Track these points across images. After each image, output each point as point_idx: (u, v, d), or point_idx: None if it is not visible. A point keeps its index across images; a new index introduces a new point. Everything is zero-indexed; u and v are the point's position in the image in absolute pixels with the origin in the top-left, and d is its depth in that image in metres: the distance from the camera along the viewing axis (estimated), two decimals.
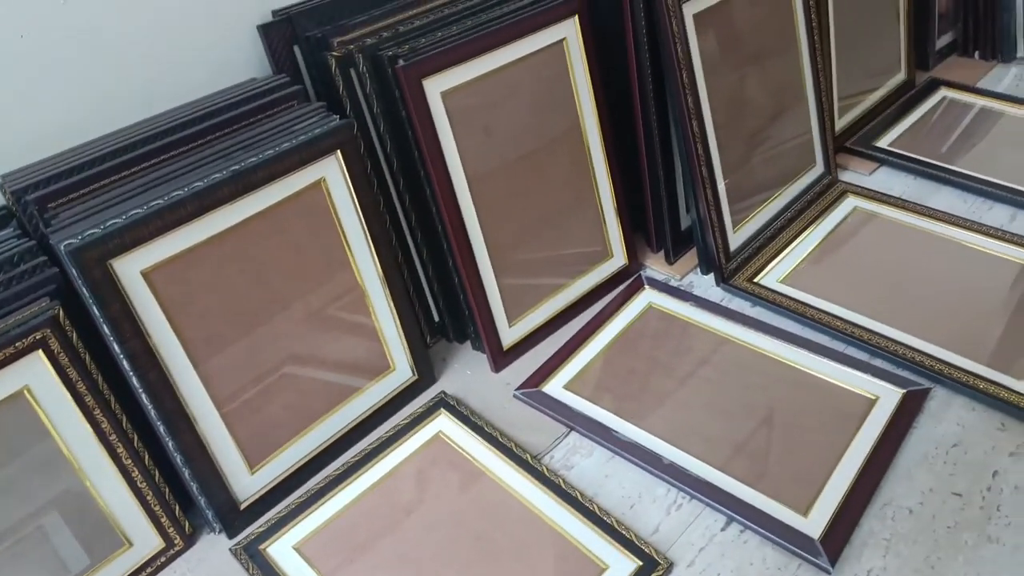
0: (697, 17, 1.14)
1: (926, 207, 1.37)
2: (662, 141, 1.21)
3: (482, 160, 1.06)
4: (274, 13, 1.06)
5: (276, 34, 1.04)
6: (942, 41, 1.87)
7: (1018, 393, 1.01)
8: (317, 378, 0.99)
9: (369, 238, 0.98)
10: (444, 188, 1.02)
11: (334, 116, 0.94)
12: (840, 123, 1.57)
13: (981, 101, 1.68)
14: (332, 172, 0.93)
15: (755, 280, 1.25)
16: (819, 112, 1.41)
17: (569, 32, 1.11)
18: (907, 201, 1.39)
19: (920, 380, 1.06)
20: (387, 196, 1.07)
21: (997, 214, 1.36)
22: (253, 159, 0.86)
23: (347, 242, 0.97)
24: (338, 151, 0.92)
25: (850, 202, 1.41)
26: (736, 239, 1.28)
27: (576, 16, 1.11)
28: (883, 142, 1.58)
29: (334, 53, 0.99)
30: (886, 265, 1.26)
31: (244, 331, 0.91)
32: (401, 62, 0.96)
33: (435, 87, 0.99)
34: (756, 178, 1.32)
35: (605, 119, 1.18)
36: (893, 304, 1.17)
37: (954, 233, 1.30)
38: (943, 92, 1.73)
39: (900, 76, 1.73)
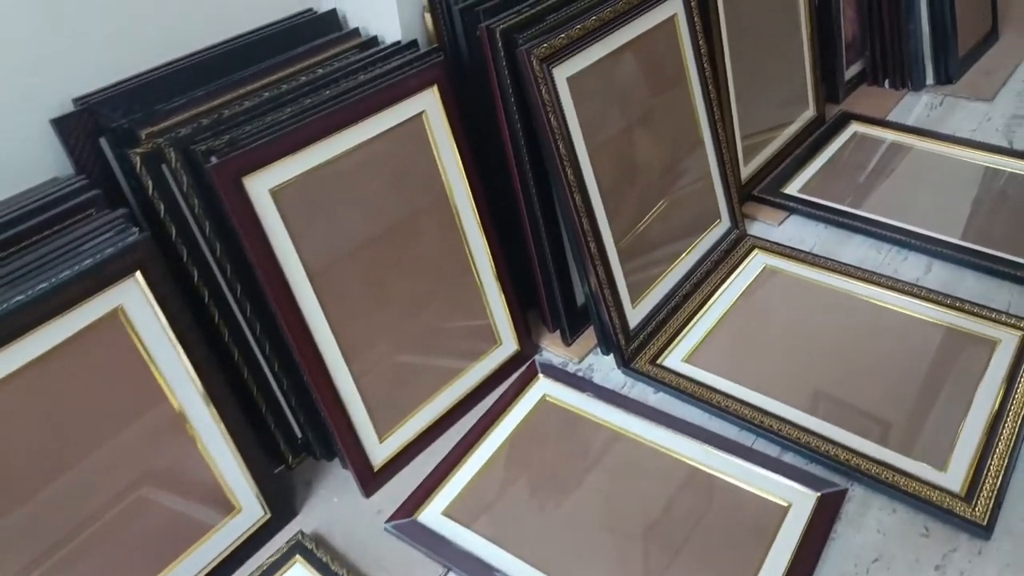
0: (572, 80, 1.02)
1: (838, 262, 1.28)
2: (546, 213, 1.08)
3: (326, 253, 0.91)
4: (75, 101, 0.90)
5: (74, 127, 0.88)
6: (851, 71, 1.81)
7: (940, 489, 0.91)
8: (141, 535, 0.84)
9: (190, 364, 0.83)
10: (278, 292, 0.87)
11: (133, 228, 0.79)
12: (747, 169, 1.48)
13: (891, 135, 1.61)
14: (132, 297, 0.78)
15: (658, 361, 1.14)
16: (720, 164, 1.31)
17: (428, 104, 0.98)
18: (818, 256, 1.30)
19: (835, 478, 0.95)
20: (225, 306, 0.92)
21: (912, 265, 1.28)
22: (19, 297, 0.71)
23: (159, 372, 0.82)
24: (138, 272, 0.77)
25: (759, 259, 1.31)
26: (636, 314, 1.16)
27: (435, 86, 0.98)
28: (793, 187, 1.49)
29: (138, 149, 0.84)
30: (797, 332, 1.16)
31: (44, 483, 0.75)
32: (213, 159, 0.82)
33: (260, 184, 0.84)
34: (655, 244, 1.21)
35: (480, 194, 1.05)
36: (804, 381, 1.07)
37: (868, 292, 1.21)
38: (853, 127, 1.65)
39: (809, 112, 1.65)
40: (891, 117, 1.71)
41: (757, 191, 1.47)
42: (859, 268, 1.26)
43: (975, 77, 1.82)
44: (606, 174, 1.09)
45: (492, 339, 1.13)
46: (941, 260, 1.28)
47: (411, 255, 1.01)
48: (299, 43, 1.06)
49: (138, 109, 0.91)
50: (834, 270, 1.26)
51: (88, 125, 0.89)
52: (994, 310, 1.15)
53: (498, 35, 0.95)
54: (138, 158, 0.84)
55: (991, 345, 1.10)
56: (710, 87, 1.26)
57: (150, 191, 0.85)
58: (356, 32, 1.07)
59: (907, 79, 1.79)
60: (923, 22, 1.74)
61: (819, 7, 1.67)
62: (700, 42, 1.23)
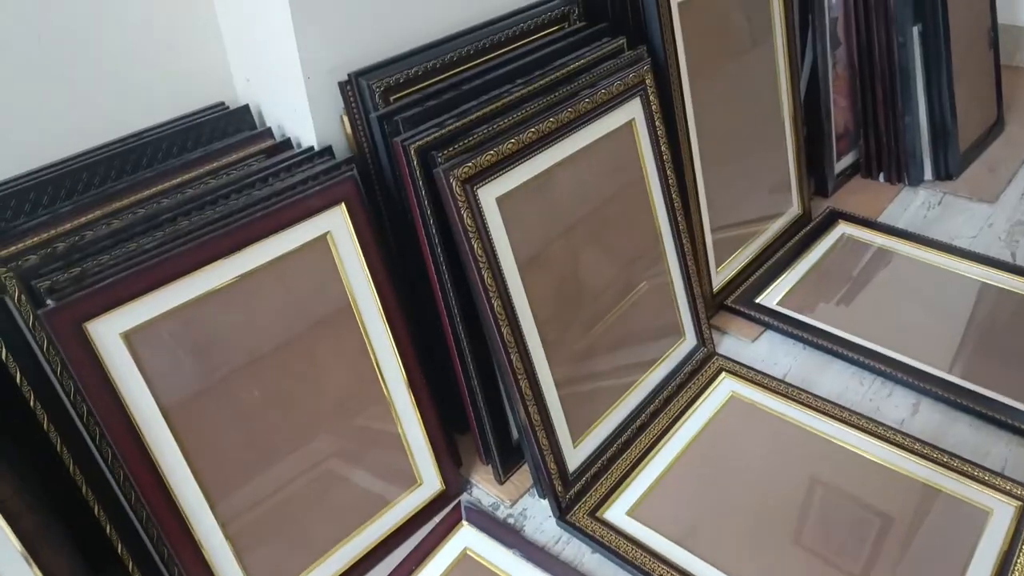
0: (504, 200, 0.90)
1: (813, 396, 1.13)
2: (473, 338, 0.95)
3: (191, 393, 0.78)
4: None
5: None
6: (843, 163, 1.68)
7: None
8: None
9: None
10: (125, 445, 0.74)
11: None
12: (722, 274, 1.35)
13: (881, 239, 1.47)
14: None
15: (598, 513, 0.99)
16: (684, 276, 1.18)
17: (334, 224, 0.86)
18: (791, 387, 1.15)
19: None
20: (85, 452, 0.79)
21: (897, 403, 1.14)
22: None
23: None
24: None
25: (727, 385, 1.17)
26: (578, 454, 1.02)
27: (342, 204, 0.86)
28: (771, 297, 1.35)
29: None
30: (761, 482, 1.01)
31: None
32: (50, 302, 0.69)
33: (108, 328, 0.72)
34: (604, 371, 1.07)
35: (395, 315, 0.92)
36: (765, 548, 0.92)
37: (846, 436, 1.06)
38: (841, 227, 1.52)
39: (793, 209, 1.52)
40: (885, 216, 1.58)
41: (731, 300, 1.34)
42: (837, 405, 1.11)
43: (978, 173, 1.69)
44: (544, 300, 0.96)
45: (411, 476, 0.99)
46: (930, 399, 1.13)
47: (306, 386, 0.88)
48: (205, 141, 0.94)
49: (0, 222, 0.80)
50: (809, 405, 1.12)
51: None
52: (987, 470, 1.00)
53: (413, 153, 0.83)
54: None
55: (983, 516, 0.95)
56: (673, 194, 1.13)
57: None
58: (268, 133, 0.96)
59: (903, 174, 1.66)
60: (921, 113, 1.62)
61: (806, 95, 1.56)
62: (663, 147, 1.10)
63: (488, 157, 0.87)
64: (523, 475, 1.06)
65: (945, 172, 1.66)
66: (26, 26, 0.83)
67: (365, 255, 0.88)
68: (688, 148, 1.20)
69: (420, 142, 0.84)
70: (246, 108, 0.97)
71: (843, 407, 1.11)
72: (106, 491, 0.81)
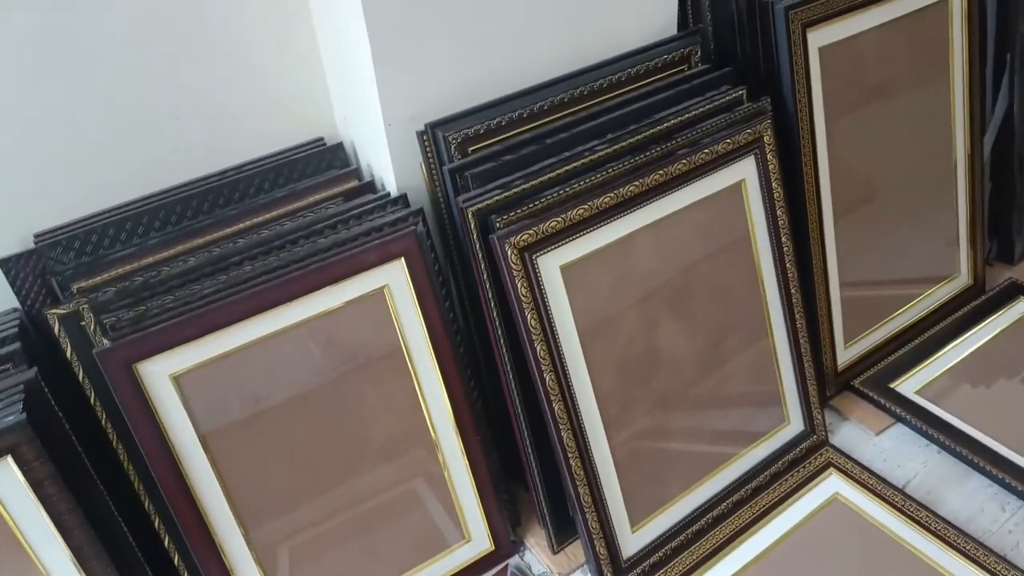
0: (569, 269, 0.84)
1: (936, 516, 0.96)
2: (530, 406, 0.90)
3: (237, 438, 0.82)
4: (36, 237, 0.88)
5: (21, 268, 0.85)
6: None
7: None
8: None
9: None
10: (169, 481, 0.79)
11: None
12: (854, 348, 1.18)
13: None
14: None
15: None
16: (794, 352, 1.04)
17: (393, 277, 0.85)
18: (910, 500, 0.98)
19: None
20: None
21: None
22: None
23: None
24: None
25: (831, 483, 1.03)
26: (636, 540, 0.94)
27: (402, 259, 0.85)
28: (910, 384, 1.16)
29: (58, 309, 0.79)
30: None
31: None
32: (106, 342, 0.74)
33: (158, 370, 0.76)
34: (678, 452, 0.97)
35: (451, 371, 0.89)
36: None
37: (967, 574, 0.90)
38: (1022, 306, 1.28)
39: (960, 279, 1.30)
40: None
41: (860, 381, 1.17)
42: (964, 534, 0.93)
43: None
44: (609, 372, 0.89)
45: (457, 533, 0.97)
46: None
47: (351, 428, 0.88)
48: (297, 178, 0.97)
49: (92, 251, 0.87)
50: (928, 528, 0.95)
51: (37, 266, 0.86)
52: None
53: (471, 216, 0.80)
54: (56, 319, 0.79)
55: None
56: (787, 262, 1.00)
57: (68, 352, 0.80)
58: (356, 172, 0.97)
59: None
60: None
61: (996, 145, 1.32)
62: (778, 211, 0.98)
63: (553, 224, 0.81)
64: (578, 547, 1.00)
65: None
66: (138, 56, 0.88)
67: (422, 308, 0.86)
68: (816, 207, 1.05)
69: (480, 204, 0.80)
70: (340, 146, 0.99)
71: (972, 538, 0.93)
72: (165, 507, 0.87)
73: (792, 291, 1.02)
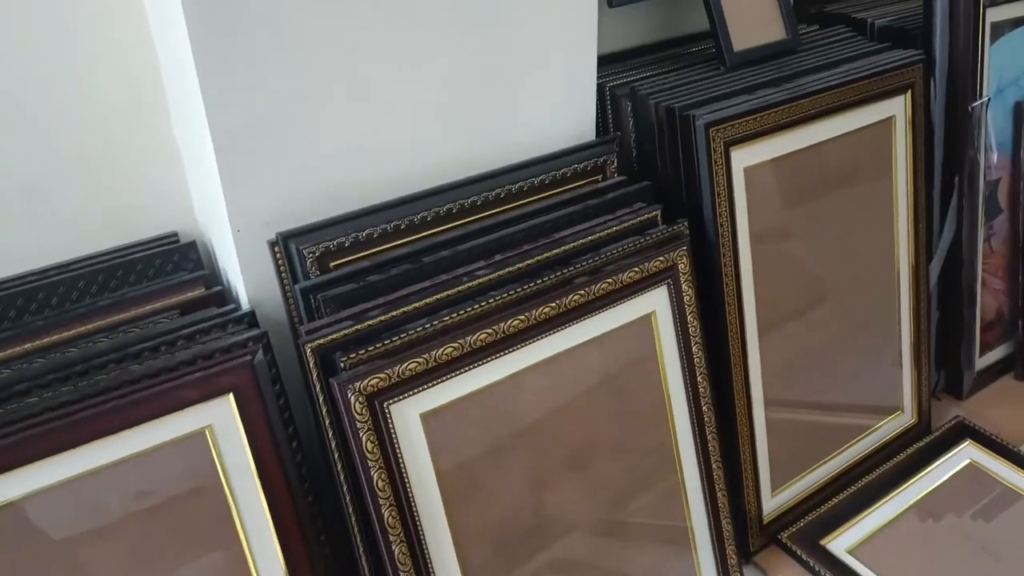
0: (431, 418, 0.70)
1: None
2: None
3: None
4: None
5: None
6: (991, 356, 1.32)
7: None
8: None
9: None
10: None
11: None
12: (784, 495, 1.05)
13: (1020, 477, 1.11)
14: None
15: None
16: (710, 510, 0.91)
17: (219, 417, 0.69)
18: None
19: None
20: None
21: None
22: None
23: None
24: None
25: None
26: None
27: (230, 395, 0.70)
28: (845, 539, 1.02)
29: None
30: None
31: None
32: None
33: None
34: None
35: (291, 531, 0.73)
36: None
37: None
38: (969, 450, 1.16)
39: (903, 418, 1.19)
40: None
41: (788, 535, 1.03)
42: None
43: None
44: (481, 544, 0.74)
45: None
46: None
47: None
48: (141, 279, 0.83)
49: None
50: None
51: None
52: None
53: (308, 354, 0.66)
54: None
55: None
56: (703, 405, 0.88)
57: None
58: (203, 279, 0.83)
59: None
60: None
61: (944, 273, 1.23)
62: (693, 346, 0.85)
63: (413, 365, 0.68)
64: None
65: None
66: None
67: (257, 454, 0.72)
68: (740, 344, 0.93)
69: (323, 339, 0.67)
70: (193, 245, 0.85)
71: None
72: None
73: (709, 440, 0.89)
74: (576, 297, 0.77)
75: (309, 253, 0.74)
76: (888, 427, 1.17)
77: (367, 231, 0.77)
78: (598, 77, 1.01)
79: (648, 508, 0.86)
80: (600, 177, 0.93)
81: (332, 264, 0.76)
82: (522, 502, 0.77)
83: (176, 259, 0.85)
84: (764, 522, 1.02)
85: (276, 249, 0.75)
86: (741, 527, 1.00)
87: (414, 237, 0.80)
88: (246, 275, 0.78)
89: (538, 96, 0.91)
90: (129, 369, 0.70)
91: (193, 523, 0.71)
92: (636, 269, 0.80)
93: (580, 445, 0.81)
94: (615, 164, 0.94)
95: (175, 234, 0.88)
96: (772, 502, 1.04)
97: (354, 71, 0.77)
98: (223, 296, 0.82)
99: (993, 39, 1.15)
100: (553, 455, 0.79)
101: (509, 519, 0.77)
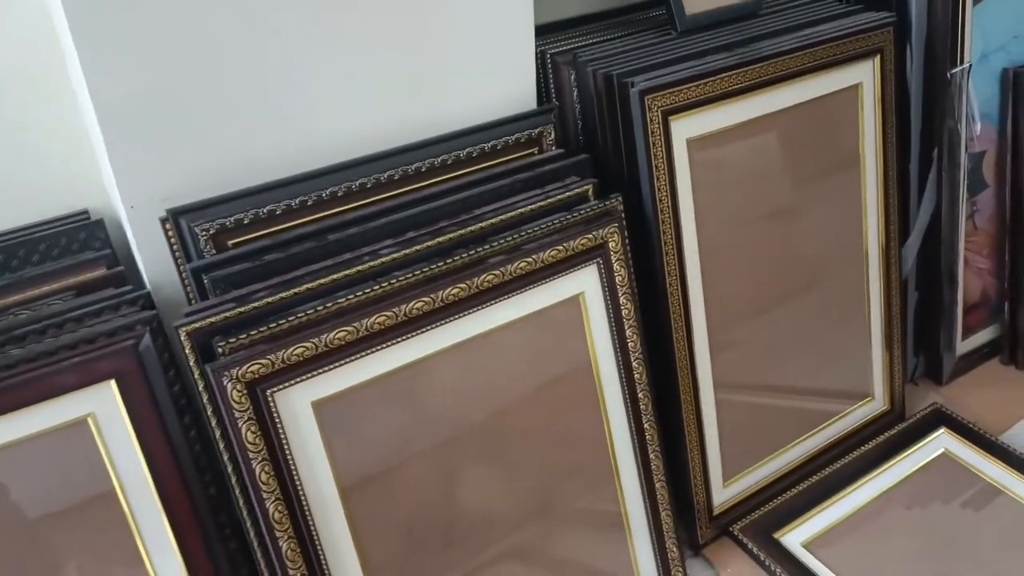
0: (325, 407, 0.66)
1: None
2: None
3: None
4: None
5: None
6: (975, 340, 1.25)
7: None
8: None
9: None
10: None
11: None
12: (740, 483, 1.00)
13: (993, 469, 1.04)
14: None
15: None
16: (648, 503, 0.86)
17: (100, 404, 0.66)
18: None
19: None
20: None
21: None
22: None
23: None
24: None
25: None
26: None
27: (112, 381, 0.66)
28: (800, 532, 0.98)
29: None
30: None
31: None
32: None
33: None
34: None
35: (193, 533, 0.69)
36: None
37: None
38: (944, 439, 1.10)
39: (874, 404, 1.13)
40: (1019, 429, 1.13)
41: (739, 527, 0.99)
42: None
43: None
44: (385, 541, 0.70)
45: None
46: None
47: None
48: (44, 259, 0.80)
49: None
50: None
51: None
52: None
53: (183, 338, 0.62)
54: None
55: None
56: (639, 391, 0.82)
57: None
58: (105, 259, 0.78)
59: None
60: None
61: (924, 251, 1.16)
62: (627, 329, 0.80)
63: (300, 350, 0.64)
64: None
65: None
66: None
67: (143, 442, 0.68)
68: (684, 323, 0.88)
69: (200, 323, 0.63)
70: (100, 223, 0.81)
71: None
72: None
73: (646, 428, 0.84)
74: (490, 278, 0.72)
75: (202, 231, 0.70)
76: (857, 414, 1.11)
77: (269, 207, 0.72)
78: (545, 43, 0.95)
79: (578, 499, 0.82)
80: (536, 150, 0.88)
81: (232, 243, 0.72)
82: (434, 493, 0.73)
83: (83, 238, 0.81)
84: (715, 513, 0.97)
85: (168, 226, 0.71)
86: (688, 518, 0.96)
87: (324, 214, 0.75)
88: (144, 255, 0.74)
89: (468, 62, 0.85)
90: (8, 353, 0.67)
91: (82, 512, 0.68)
92: (560, 248, 0.75)
93: (499, 433, 0.76)
94: (552, 136, 0.88)
95: (86, 212, 0.84)
96: (725, 492, 0.99)
97: (254, 36, 0.72)
98: (123, 277, 0.78)
99: (976, 0, 1.07)
100: (468, 444, 0.74)
101: (420, 511, 0.73)
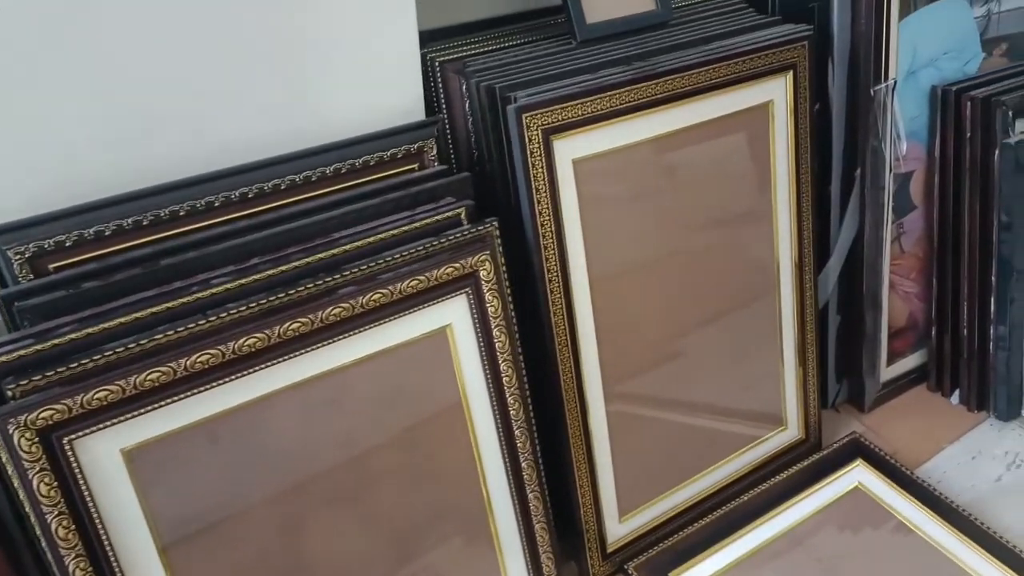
0: (139, 454, 0.60)
1: None
2: None
3: None
4: None
5: None
6: (902, 365, 1.20)
7: None
8: None
9: None
10: None
11: None
12: (636, 519, 0.95)
13: (908, 508, 1.00)
14: None
15: None
16: (527, 548, 0.81)
17: None
18: None
19: None
20: None
21: None
22: None
23: None
24: None
25: None
26: None
27: None
28: (697, 572, 0.92)
29: None
30: None
31: None
32: None
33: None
34: None
35: None
36: None
37: None
38: (859, 472, 1.05)
39: (788, 432, 1.08)
40: (939, 462, 1.09)
41: (634, 565, 0.94)
42: None
43: None
44: None
45: None
46: None
47: None
48: None
49: None
50: None
51: None
52: None
53: None
54: None
55: None
56: (515, 427, 0.77)
57: None
58: None
59: (987, 400, 1.16)
60: None
61: (845, 274, 1.11)
62: (502, 364, 0.74)
63: (103, 394, 0.57)
64: None
65: None
66: None
67: None
68: (571, 355, 0.82)
69: None
70: None
71: None
72: None
73: (524, 468, 0.78)
74: (338, 311, 0.66)
75: (16, 254, 0.63)
76: (770, 443, 1.06)
77: (97, 228, 0.66)
78: (441, 49, 0.89)
79: (447, 544, 0.77)
80: (416, 166, 0.82)
81: (54, 267, 0.66)
82: (276, 544, 0.67)
83: None
84: (608, 551, 0.93)
85: None
86: (580, 557, 0.91)
87: (160, 235, 0.69)
88: None
89: (343, 67, 0.79)
90: None
91: None
92: (421, 277, 0.69)
93: (355, 477, 0.70)
94: (435, 152, 0.82)
95: None
96: (622, 527, 0.94)
97: (75, 33, 0.65)
98: None
99: (903, 13, 1.02)
100: (317, 490, 0.69)
101: (258, 562, 0.67)
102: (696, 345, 0.96)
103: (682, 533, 0.97)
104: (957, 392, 1.18)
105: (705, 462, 1.00)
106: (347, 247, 0.69)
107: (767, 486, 1.03)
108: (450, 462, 0.75)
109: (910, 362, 1.21)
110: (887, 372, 1.18)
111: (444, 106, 0.88)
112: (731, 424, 1.02)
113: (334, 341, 0.67)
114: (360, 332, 0.68)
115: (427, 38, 0.90)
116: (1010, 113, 1.03)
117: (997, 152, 1.04)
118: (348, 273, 0.68)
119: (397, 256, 0.69)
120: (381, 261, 0.69)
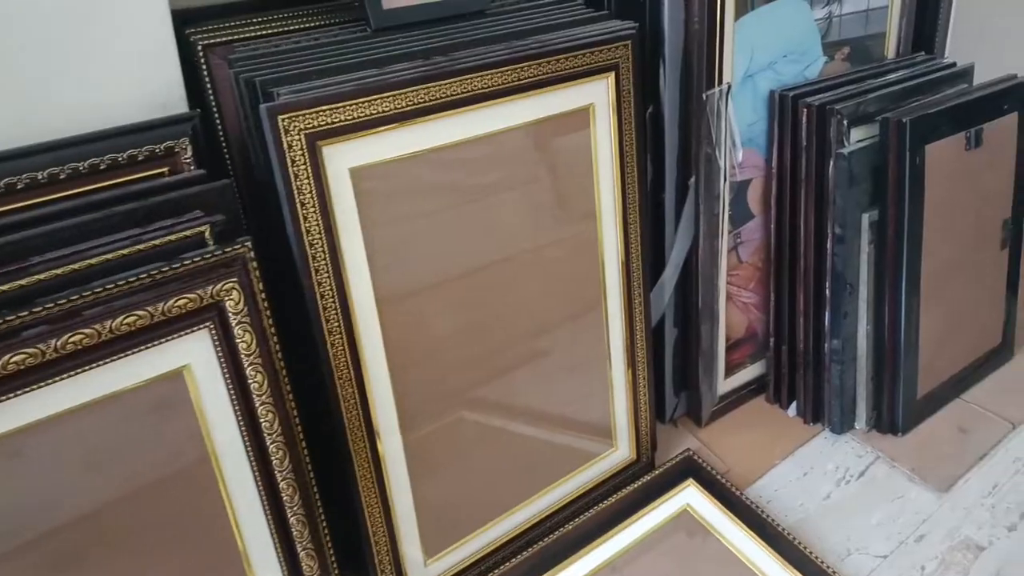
0: None
1: None
2: None
3: None
4: None
5: None
6: (741, 377, 1.17)
7: None
8: None
9: None
10: None
11: None
12: (445, 560, 0.87)
13: (732, 531, 0.96)
14: None
15: None
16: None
17: None
18: None
19: None
20: None
21: None
22: None
23: None
24: None
25: None
26: None
27: None
28: None
29: None
30: None
31: None
32: None
33: None
34: None
35: None
36: None
37: None
38: (688, 493, 1.00)
39: (620, 454, 1.03)
40: (771, 479, 1.05)
41: None
42: None
43: (940, 431, 1.13)
44: None
45: None
46: None
47: None
48: None
49: None
50: None
51: None
52: None
53: None
54: None
55: None
56: (279, 479, 0.66)
57: None
58: None
59: (823, 413, 1.14)
60: (860, 336, 1.08)
61: (682, 283, 1.06)
62: (259, 407, 0.63)
63: None
64: None
65: (888, 423, 1.13)
66: None
67: None
68: (356, 388, 0.72)
69: None
70: None
71: None
72: None
73: (292, 523, 0.68)
74: (21, 358, 0.53)
75: None
76: (599, 467, 1.00)
77: None
78: (209, 31, 0.76)
79: None
80: (167, 169, 0.69)
81: None
82: None
83: None
84: None
85: None
86: None
87: None
88: None
89: (66, 52, 0.65)
90: None
91: None
92: (141, 312, 0.57)
93: (70, 549, 0.58)
94: (189, 153, 0.69)
95: None
96: (429, 571, 0.86)
97: None
98: None
99: (739, 12, 0.96)
100: (18, 564, 0.57)
101: None
102: (514, 364, 0.88)
103: (499, 569, 0.90)
104: (794, 404, 1.16)
105: (526, 491, 0.93)
106: (42, 275, 0.56)
107: (592, 513, 0.96)
108: (197, 529, 0.64)
109: (750, 373, 1.18)
110: (726, 384, 1.15)
111: (213, 99, 0.75)
112: (555, 449, 0.95)
113: (15, 396, 0.54)
114: (55, 382, 0.55)
115: (199, 16, 0.77)
116: (845, 122, 1.00)
117: (832, 162, 1.01)
118: (41, 309, 0.55)
119: (111, 286, 0.57)
120: (88, 293, 0.56)
